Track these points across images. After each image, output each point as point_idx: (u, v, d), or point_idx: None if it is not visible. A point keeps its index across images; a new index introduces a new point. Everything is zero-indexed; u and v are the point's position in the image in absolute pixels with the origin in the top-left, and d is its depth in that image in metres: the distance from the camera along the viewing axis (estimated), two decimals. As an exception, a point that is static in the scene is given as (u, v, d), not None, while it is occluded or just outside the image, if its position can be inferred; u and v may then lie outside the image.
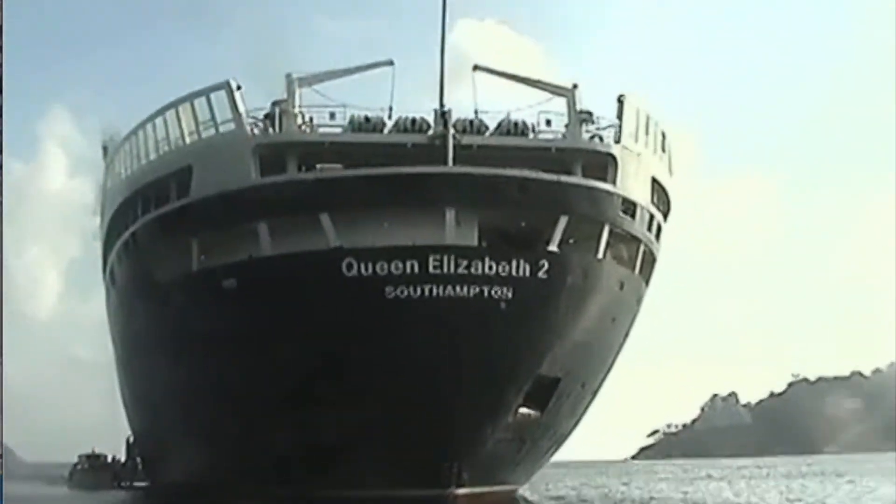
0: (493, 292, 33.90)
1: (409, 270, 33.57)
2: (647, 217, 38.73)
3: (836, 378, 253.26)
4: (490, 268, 33.89)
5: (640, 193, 38.14)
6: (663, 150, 39.89)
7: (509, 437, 36.50)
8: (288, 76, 36.01)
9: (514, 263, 34.18)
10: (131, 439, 75.96)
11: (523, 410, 36.54)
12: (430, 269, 33.58)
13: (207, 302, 36.39)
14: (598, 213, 36.41)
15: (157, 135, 38.33)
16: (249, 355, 35.00)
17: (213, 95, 36.29)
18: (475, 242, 34.71)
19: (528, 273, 34.32)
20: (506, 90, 39.24)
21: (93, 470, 71.52)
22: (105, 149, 61.47)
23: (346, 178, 35.01)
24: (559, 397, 37.79)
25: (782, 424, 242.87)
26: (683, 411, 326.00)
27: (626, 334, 41.51)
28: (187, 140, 37.14)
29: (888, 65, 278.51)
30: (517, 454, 38.27)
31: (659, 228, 40.21)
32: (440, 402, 33.24)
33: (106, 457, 74.98)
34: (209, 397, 37.04)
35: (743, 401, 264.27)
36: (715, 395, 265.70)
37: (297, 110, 35.92)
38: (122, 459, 72.83)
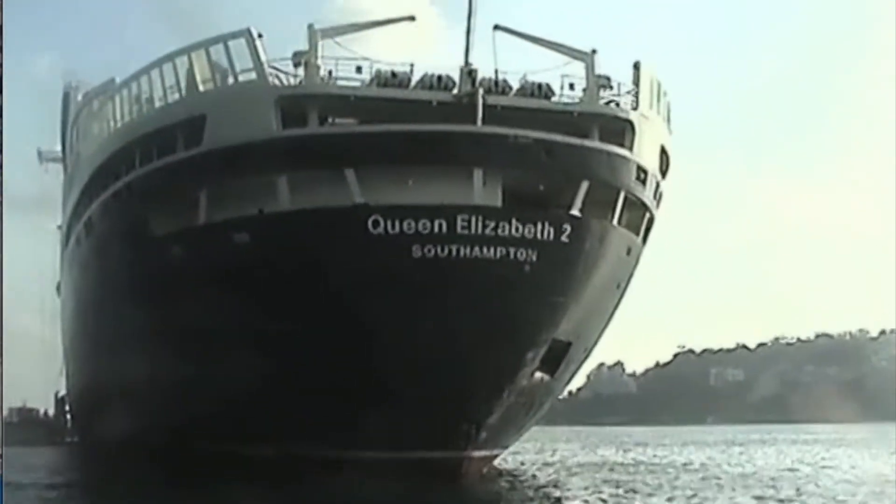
0: (518, 254, 33.76)
1: (436, 230, 33.15)
2: (654, 184, 38.99)
3: (720, 350, 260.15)
4: (517, 230, 33.71)
5: (650, 161, 38.35)
6: (668, 118, 40.14)
7: (522, 401, 36.55)
8: (310, 27, 34.94)
9: (538, 226, 34.06)
10: (61, 394, 74.26)
11: (537, 374, 36.58)
12: (458, 229, 33.21)
13: (214, 255, 35.32)
14: (616, 179, 36.54)
15: (164, 82, 36.88)
16: (257, 307, 34.09)
17: (231, 43, 35.09)
18: (499, 204, 34.43)
19: (551, 236, 34.25)
20: (512, 52, 38.73)
21: (26, 424, 69.64)
22: (67, 94, 59.77)
23: (374, 133, 34.23)
24: (568, 362, 37.99)
25: (667, 395, 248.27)
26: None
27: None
28: (201, 88, 35.83)
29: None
30: (524, 418, 38.42)
31: (660, 196, 40.52)
32: (464, 362, 33.02)
33: (38, 411, 73.14)
34: (196, 345, 35.61)
35: (629, 370, 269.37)
36: (601, 364, 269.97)
37: (319, 62, 34.90)
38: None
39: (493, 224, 33.42)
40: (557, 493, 35.60)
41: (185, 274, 36.15)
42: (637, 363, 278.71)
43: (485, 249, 33.39)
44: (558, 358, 36.99)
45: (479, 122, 34.16)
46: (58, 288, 66.81)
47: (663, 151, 39.55)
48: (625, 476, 40.92)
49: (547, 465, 48.36)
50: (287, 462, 34.79)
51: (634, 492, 33.81)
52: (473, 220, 33.29)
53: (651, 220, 40.19)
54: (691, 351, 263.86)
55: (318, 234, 33.53)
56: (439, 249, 33.15)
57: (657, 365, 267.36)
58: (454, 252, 33.20)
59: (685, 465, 49.37)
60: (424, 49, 36.18)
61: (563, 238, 34.48)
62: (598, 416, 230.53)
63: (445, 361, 32.83)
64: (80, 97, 56.07)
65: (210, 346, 35.37)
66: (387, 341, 32.86)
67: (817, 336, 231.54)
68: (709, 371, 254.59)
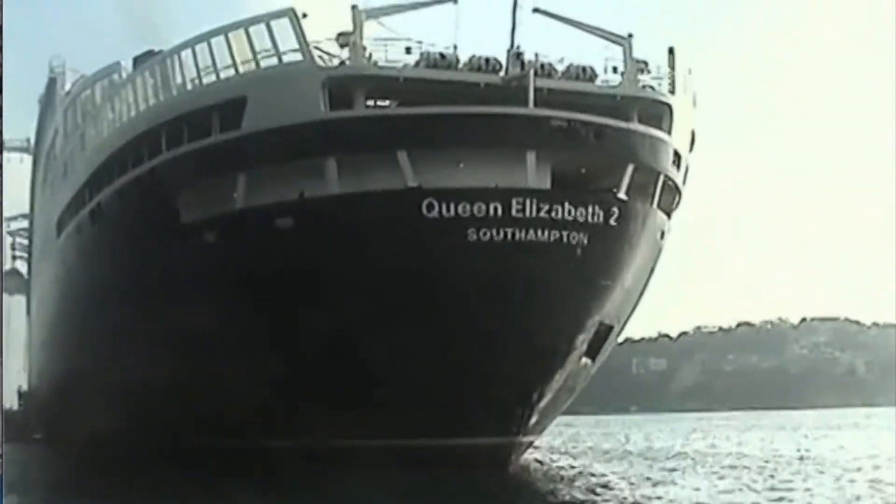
0: (570, 238, 33.58)
1: (491, 213, 32.79)
2: (685, 168, 39.16)
3: (642, 339, 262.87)
4: (569, 213, 33.53)
5: (683, 144, 38.50)
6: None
7: (567, 385, 36.48)
8: (354, 7, 34.17)
9: (589, 209, 33.92)
10: (24, 388, 72.11)
11: (582, 359, 36.52)
12: (513, 212, 32.89)
13: (254, 241, 34.42)
14: (657, 163, 36.62)
15: (198, 63, 35.75)
16: (302, 297, 33.38)
17: (273, 23, 34.18)
18: (548, 186, 34.21)
19: (601, 220, 34.15)
20: (543, 34, 38.39)
21: None
22: (52, 80, 57.76)
23: (428, 115, 33.65)
24: (607, 346, 37.99)
25: (589, 384, 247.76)
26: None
27: None
28: (240, 69, 34.83)
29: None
30: (564, 402, 38.38)
31: (686, 178, 40.71)
32: (520, 347, 32.81)
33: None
34: (224, 332, 34.57)
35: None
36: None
37: (363, 42, 34.21)
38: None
39: (546, 207, 33.20)
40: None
41: (219, 260, 35.08)
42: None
43: (539, 232, 33.15)
44: (601, 342, 36.99)
45: (531, 104, 33.75)
46: None
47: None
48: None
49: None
50: (320, 453, 34.10)
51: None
52: (528, 203, 33.02)
53: (679, 203, 40.34)
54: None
55: (370, 217, 32.87)
56: (494, 233, 32.81)
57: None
58: (509, 235, 32.88)
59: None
60: (450, 30, 34.94)
61: (612, 221, 34.42)
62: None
63: (501, 345, 32.53)
64: (68, 84, 54.30)
65: (245, 332, 34.59)
66: (441, 326, 32.38)
67: (738, 325, 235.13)
68: (631, 361, 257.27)
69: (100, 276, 43.20)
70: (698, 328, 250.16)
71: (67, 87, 54.49)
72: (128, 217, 39.58)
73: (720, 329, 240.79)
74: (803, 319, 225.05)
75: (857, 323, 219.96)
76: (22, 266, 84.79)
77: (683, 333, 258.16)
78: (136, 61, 47.22)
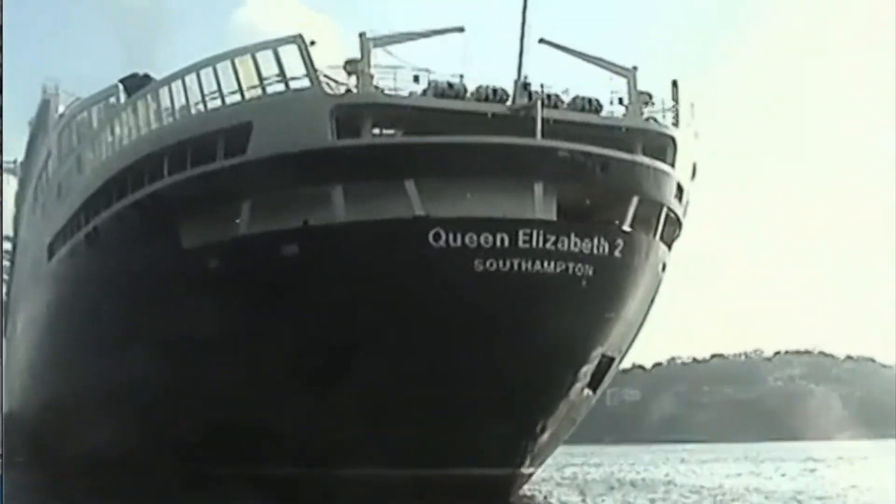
0: (576, 269, 33.55)
1: (498, 243, 32.70)
2: (686, 200, 39.25)
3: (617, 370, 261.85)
4: (574, 244, 33.51)
5: (685, 176, 38.62)
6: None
7: (569, 417, 36.38)
8: (362, 35, 34.14)
9: (594, 241, 33.93)
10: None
11: (585, 390, 36.43)
12: (520, 242, 32.84)
13: (258, 268, 34.18)
14: (660, 195, 36.69)
15: (202, 88, 35.57)
16: (305, 321, 33.19)
17: (281, 49, 34.09)
18: (554, 217, 34.16)
19: (606, 251, 34.17)
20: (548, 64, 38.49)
21: None
22: (46, 101, 57.30)
23: (435, 144, 33.60)
24: (608, 378, 37.92)
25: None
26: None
27: None
28: (246, 95, 34.69)
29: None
30: (565, 434, 38.23)
31: (686, 211, 40.79)
32: (524, 377, 32.71)
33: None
34: (228, 357, 34.39)
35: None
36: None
37: (371, 70, 34.16)
38: None
39: (553, 238, 33.18)
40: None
41: (222, 286, 34.76)
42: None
43: (545, 264, 33.11)
44: (603, 373, 36.94)
45: (539, 135, 33.78)
46: None
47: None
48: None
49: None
50: (326, 482, 33.80)
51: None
52: (535, 234, 32.99)
53: (679, 235, 40.44)
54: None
55: (377, 246, 32.74)
56: (501, 263, 32.71)
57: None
58: (515, 266, 32.80)
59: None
60: (453, 59, 35.00)
61: (617, 253, 34.45)
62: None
63: (506, 377, 32.42)
64: (61, 106, 53.95)
65: (246, 357, 34.31)
66: (447, 357, 32.24)
67: (712, 356, 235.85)
68: (605, 391, 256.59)
69: (95, 299, 42.67)
70: (672, 359, 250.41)
71: (61, 109, 54.09)
72: (126, 241, 39.22)
73: (694, 360, 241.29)
74: (777, 352, 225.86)
75: (832, 356, 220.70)
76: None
77: (658, 364, 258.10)
78: (123, 83, 47.20)
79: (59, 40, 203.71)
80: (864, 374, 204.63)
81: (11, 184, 72.60)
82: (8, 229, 76.28)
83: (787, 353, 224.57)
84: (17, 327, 63.72)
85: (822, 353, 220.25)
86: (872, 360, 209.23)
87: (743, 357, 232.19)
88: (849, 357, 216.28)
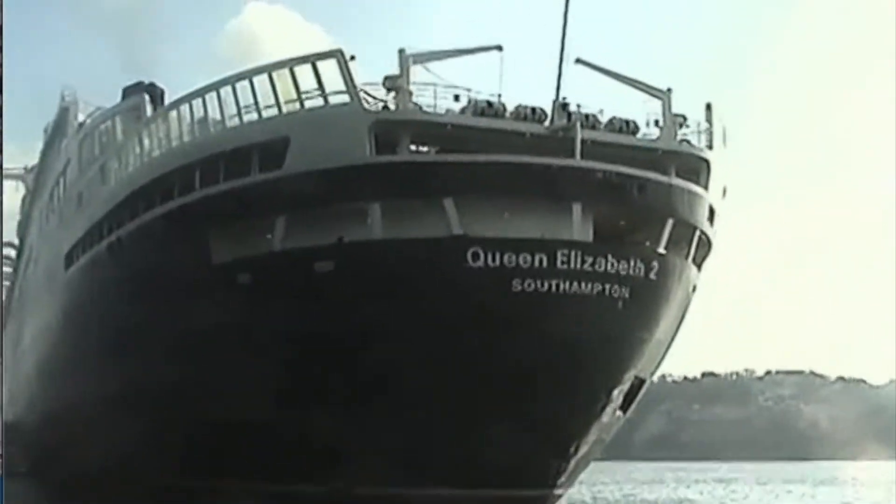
0: (613, 291, 33.46)
1: (537, 264, 32.58)
2: (717, 223, 39.19)
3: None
4: (612, 266, 33.42)
5: (717, 199, 38.56)
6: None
7: (601, 438, 36.23)
8: (401, 52, 33.98)
9: (631, 262, 33.88)
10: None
11: (616, 412, 36.34)
12: (558, 263, 32.73)
13: (291, 286, 33.86)
14: (694, 218, 36.63)
15: (239, 101, 35.32)
16: (340, 343, 32.90)
17: (320, 64, 33.91)
18: (590, 238, 34.06)
19: (642, 273, 34.11)
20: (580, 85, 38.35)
21: None
22: (65, 109, 56.89)
23: (475, 163, 33.40)
24: (638, 399, 37.84)
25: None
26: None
27: None
28: (284, 109, 34.47)
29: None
30: (594, 455, 38.03)
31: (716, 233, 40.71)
32: (561, 399, 32.63)
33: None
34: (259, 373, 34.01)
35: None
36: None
37: (411, 87, 34.00)
38: None
39: (591, 259, 33.08)
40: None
41: (253, 302, 34.47)
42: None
43: (583, 285, 33.02)
44: (634, 395, 36.86)
45: (578, 156, 33.68)
46: None
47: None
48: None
49: None
50: (348, 500, 33.64)
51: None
52: (573, 254, 32.90)
53: (708, 257, 40.38)
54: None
55: (413, 264, 32.55)
56: (539, 284, 32.59)
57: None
58: (553, 287, 32.67)
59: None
60: (487, 79, 34.89)
61: (652, 276, 34.39)
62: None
63: (541, 397, 32.31)
64: (80, 115, 53.60)
65: (273, 373, 33.99)
66: (486, 377, 32.11)
67: (703, 375, 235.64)
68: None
69: (117, 310, 42.18)
70: (663, 377, 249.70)
71: (81, 118, 53.70)
72: (153, 252, 38.67)
73: (685, 378, 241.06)
74: (768, 372, 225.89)
75: (822, 377, 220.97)
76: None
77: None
78: (126, 92, 47.02)
79: (54, 48, 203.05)
80: (854, 395, 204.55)
81: (11, 189, 71.90)
82: (8, 235, 75.70)
83: (777, 372, 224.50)
84: (24, 336, 63.13)
85: (812, 373, 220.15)
86: (863, 381, 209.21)
87: (734, 376, 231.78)
88: (840, 378, 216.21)
